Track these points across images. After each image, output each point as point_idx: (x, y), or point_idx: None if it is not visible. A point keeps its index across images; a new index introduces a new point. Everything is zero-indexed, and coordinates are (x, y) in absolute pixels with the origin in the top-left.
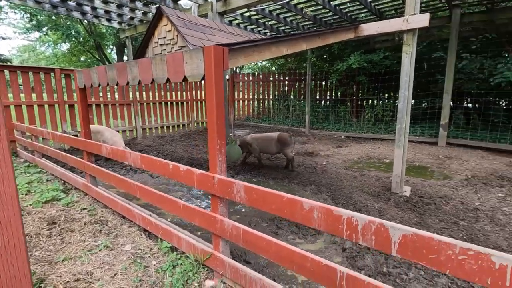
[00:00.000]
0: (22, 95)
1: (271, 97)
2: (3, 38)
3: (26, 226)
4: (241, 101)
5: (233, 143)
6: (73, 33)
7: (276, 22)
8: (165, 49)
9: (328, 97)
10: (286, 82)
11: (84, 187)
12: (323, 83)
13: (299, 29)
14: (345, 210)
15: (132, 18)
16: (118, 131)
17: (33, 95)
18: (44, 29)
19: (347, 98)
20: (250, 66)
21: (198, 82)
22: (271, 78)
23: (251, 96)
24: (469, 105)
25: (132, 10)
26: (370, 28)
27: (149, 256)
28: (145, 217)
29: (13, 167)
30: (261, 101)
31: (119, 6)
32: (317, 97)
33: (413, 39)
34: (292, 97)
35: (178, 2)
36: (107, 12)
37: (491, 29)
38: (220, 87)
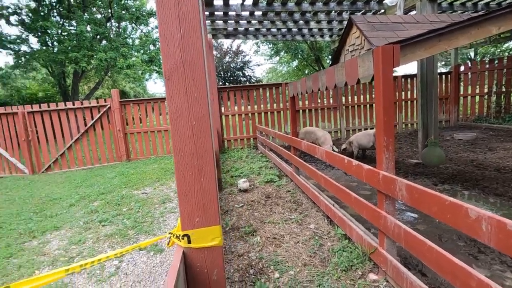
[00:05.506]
0: (262, 105)
1: None
2: (258, 65)
3: (252, 195)
4: (469, 97)
5: (433, 146)
6: (299, 52)
7: None
8: (354, 55)
9: None
10: None
11: (290, 174)
12: None
13: None
14: None
15: (340, 29)
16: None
17: (267, 105)
18: (281, 53)
19: None
20: (487, 51)
21: (410, 82)
22: None
23: (485, 90)
24: None
25: (340, 22)
26: None
27: (326, 238)
28: (327, 204)
29: (212, 139)
30: (504, 95)
31: (329, 21)
32: None
33: None
34: None
35: (383, 2)
36: (319, 29)
37: None
38: (388, 85)
